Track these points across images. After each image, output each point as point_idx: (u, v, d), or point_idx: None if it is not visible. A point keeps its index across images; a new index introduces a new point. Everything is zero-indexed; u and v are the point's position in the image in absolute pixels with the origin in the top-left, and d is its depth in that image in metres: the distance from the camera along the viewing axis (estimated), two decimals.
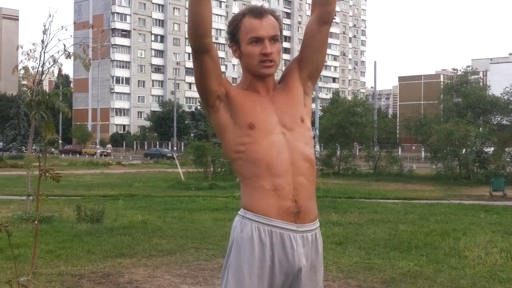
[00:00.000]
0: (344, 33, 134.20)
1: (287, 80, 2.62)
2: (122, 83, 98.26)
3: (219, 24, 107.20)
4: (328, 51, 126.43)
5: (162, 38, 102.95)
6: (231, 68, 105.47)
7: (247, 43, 2.49)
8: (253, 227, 2.38)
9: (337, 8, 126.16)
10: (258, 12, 2.50)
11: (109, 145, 60.91)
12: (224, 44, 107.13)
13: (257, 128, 2.45)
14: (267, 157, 2.41)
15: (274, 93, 2.56)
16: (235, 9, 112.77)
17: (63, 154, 65.79)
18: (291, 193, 2.40)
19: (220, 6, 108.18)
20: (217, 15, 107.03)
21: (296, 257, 2.39)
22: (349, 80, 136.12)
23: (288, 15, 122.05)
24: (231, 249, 2.43)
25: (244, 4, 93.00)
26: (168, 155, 56.71)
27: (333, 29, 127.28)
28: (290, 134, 2.48)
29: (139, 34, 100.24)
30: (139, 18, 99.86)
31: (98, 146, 70.44)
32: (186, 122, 74.71)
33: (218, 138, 2.62)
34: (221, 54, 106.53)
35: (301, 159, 2.46)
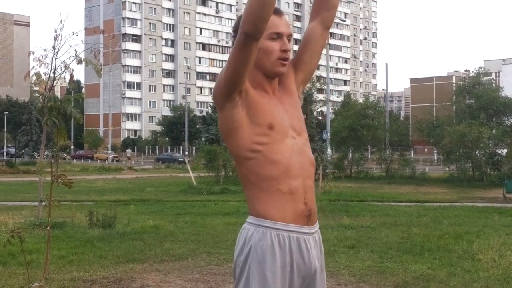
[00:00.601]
0: (355, 35, 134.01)
1: (286, 83, 2.57)
2: (133, 88, 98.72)
3: (229, 28, 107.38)
4: (339, 53, 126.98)
5: (173, 43, 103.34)
6: None
7: (266, 38, 2.40)
8: (272, 235, 2.35)
9: (348, 11, 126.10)
10: (277, 9, 2.45)
11: (128, 150, 61.22)
12: None
13: (275, 129, 2.41)
14: (285, 159, 2.39)
15: (280, 94, 2.52)
16: None
17: (75, 160, 66.19)
18: (303, 196, 2.41)
19: (231, 10, 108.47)
20: (227, 19, 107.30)
21: (312, 260, 2.42)
22: (360, 82, 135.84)
23: (298, 18, 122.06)
24: (247, 258, 2.36)
25: None
26: (179, 159, 56.88)
27: (343, 32, 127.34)
28: (299, 139, 2.49)
29: (150, 39, 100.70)
30: (150, 23, 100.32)
31: (109, 151, 70.78)
32: (197, 126, 74.81)
33: (225, 136, 2.47)
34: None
35: (309, 163, 2.48)
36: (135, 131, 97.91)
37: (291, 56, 2.52)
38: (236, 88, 2.36)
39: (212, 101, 2.47)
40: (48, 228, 5.49)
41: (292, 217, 2.38)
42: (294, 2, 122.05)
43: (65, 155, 63.40)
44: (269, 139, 2.39)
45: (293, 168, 2.40)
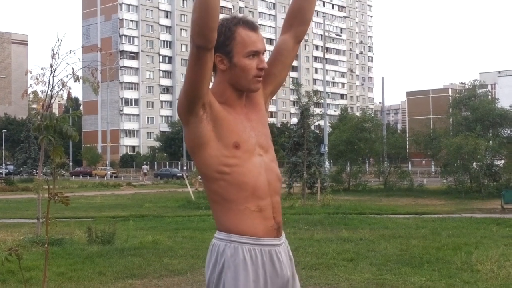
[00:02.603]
0: (351, 49, 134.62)
1: (253, 97, 2.52)
2: (131, 104, 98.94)
3: None
4: (336, 68, 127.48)
5: (170, 59, 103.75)
6: None
7: (244, 56, 2.37)
8: (244, 249, 2.33)
9: (344, 25, 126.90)
10: (253, 25, 2.42)
11: (145, 166, 61.35)
12: None
13: (241, 148, 2.37)
14: (252, 181, 2.37)
15: (247, 110, 2.48)
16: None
17: (73, 176, 66.09)
18: (271, 212, 2.40)
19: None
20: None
21: (284, 270, 2.41)
22: (357, 96, 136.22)
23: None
24: (221, 274, 2.33)
25: (251, 11, 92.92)
26: (178, 175, 56.81)
27: (340, 46, 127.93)
28: (266, 156, 2.45)
29: (147, 55, 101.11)
30: (147, 40, 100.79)
31: (108, 168, 70.74)
32: None
33: (192, 152, 2.41)
34: None
35: (276, 180, 2.46)
36: (133, 147, 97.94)
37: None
38: (197, 101, 2.31)
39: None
40: (46, 245, 5.50)
41: (263, 231, 2.37)
42: None
43: (64, 172, 63.36)
44: (236, 160, 2.35)
45: (261, 188, 2.38)
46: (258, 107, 2.53)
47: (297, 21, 2.63)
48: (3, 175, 54.57)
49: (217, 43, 2.29)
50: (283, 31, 2.66)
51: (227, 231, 2.36)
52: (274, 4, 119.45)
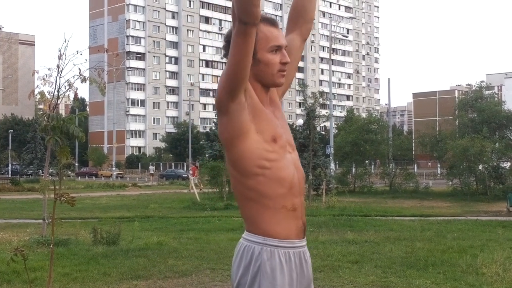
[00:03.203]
0: (357, 51, 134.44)
1: (273, 97, 2.54)
2: (137, 105, 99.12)
3: None
4: (342, 69, 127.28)
5: (176, 60, 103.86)
6: None
7: (267, 51, 2.40)
8: (280, 253, 2.34)
9: (350, 26, 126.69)
10: (273, 21, 2.45)
11: (152, 167, 61.71)
12: None
13: (278, 143, 2.38)
14: (289, 177, 2.38)
15: (272, 108, 2.49)
16: None
17: (79, 177, 66.26)
18: (301, 212, 2.43)
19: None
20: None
21: (309, 271, 2.46)
22: (363, 97, 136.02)
23: None
24: (255, 278, 2.32)
25: None
26: (183, 176, 56.88)
27: (346, 47, 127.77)
28: (294, 154, 2.48)
29: (154, 56, 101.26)
30: (153, 41, 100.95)
31: (114, 168, 70.90)
32: (201, 142, 74.80)
33: (229, 144, 2.36)
34: None
35: (302, 179, 2.48)
36: (139, 148, 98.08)
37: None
38: (241, 85, 2.28)
39: (215, 107, 2.37)
40: (51, 246, 5.52)
41: (295, 233, 2.39)
42: None
43: (70, 173, 63.54)
44: (275, 155, 2.35)
45: (295, 185, 2.40)
46: (279, 105, 2.56)
47: (302, 20, 2.69)
48: (9, 176, 54.78)
49: None
50: (288, 30, 2.70)
51: (262, 234, 2.35)
52: (281, 5, 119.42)
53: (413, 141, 39.76)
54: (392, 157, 34.36)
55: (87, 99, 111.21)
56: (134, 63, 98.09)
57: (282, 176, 2.36)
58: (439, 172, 47.64)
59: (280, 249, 2.34)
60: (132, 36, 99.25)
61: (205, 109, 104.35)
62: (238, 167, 2.36)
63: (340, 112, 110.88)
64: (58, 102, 9.46)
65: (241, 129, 2.33)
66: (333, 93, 56.70)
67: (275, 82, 2.45)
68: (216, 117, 2.61)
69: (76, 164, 74.83)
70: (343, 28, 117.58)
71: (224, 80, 2.30)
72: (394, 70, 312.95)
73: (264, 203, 2.35)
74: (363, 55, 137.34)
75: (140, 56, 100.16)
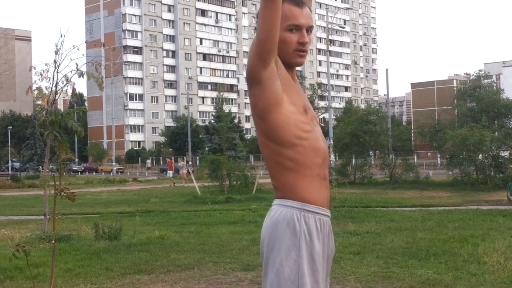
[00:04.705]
0: (354, 41, 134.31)
1: (294, 75, 2.58)
2: (136, 99, 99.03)
3: (229, 38, 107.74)
4: (339, 60, 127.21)
5: (174, 54, 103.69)
6: (243, 81, 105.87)
7: (284, 29, 2.43)
8: (315, 219, 2.41)
9: (347, 17, 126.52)
10: (299, 0, 2.49)
11: (149, 161, 62.46)
12: (235, 57, 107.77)
13: (308, 114, 2.46)
14: (323, 147, 2.48)
15: (296, 85, 2.54)
16: (245, 21, 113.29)
17: (79, 172, 66.24)
18: (328, 182, 2.52)
19: (230, 20, 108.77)
20: (227, 28, 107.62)
21: (332, 241, 2.55)
22: (361, 88, 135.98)
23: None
24: (293, 242, 2.36)
25: (254, 17, 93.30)
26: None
27: (343, 38, 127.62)
28: (319, 127, 2.54)
29: (151, 50, 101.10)
30: (150, 35, 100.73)
31: (114, 163, 70.92)
32: (200, 136, 74.95)
33: (264, 114, 2.39)
34: (232, 67, 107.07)
35: (327, 153, 2.55)
36: (139, 142, 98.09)
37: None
38: (272, 52, 2.33)
39: (246, 80, 2.44)
40: (53, 241, 5.52)
41: (326, 202, 2.48)
42: None
43: (75, 167, 63.62)
44: (309, 126, 2.43)
45: (327, 156, 2.50)
46: (299, 84, 2.60)
47: None
48: (9, 172, 54.76)
49: None
50: None
51: (301, 199, 2.40)
52: None
53: (412, 131, 39.74)
54: (391, 148, 34.34)
55: (85, 94, 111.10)
56: (131, 57, 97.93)
57: (318, 146, 2.45)
58: (439, 162, 47.72)
59: (316, 215, 2.42)
60: (129, 30, 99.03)
61: (203, 102, 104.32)
62: (275, 137, 2.41)
63: (339, 103, 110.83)
64: (56, 97, 9.44)
65: (276, 99, 2.37)
66: (331, 85, 56.70)
67: (291, 61, 2.49)
68: (246, 92, 2.66)
69: (76, 160, 74.81)
70: (340, 19, 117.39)
71: (255, 48, 2.35)
72: (392, 61, 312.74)
73: (302, 171, 2.41)
74: (361, 46, 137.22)
75: (137, 50, 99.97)
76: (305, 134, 2.40)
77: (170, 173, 38.14)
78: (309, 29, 2.49)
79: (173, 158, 42.20)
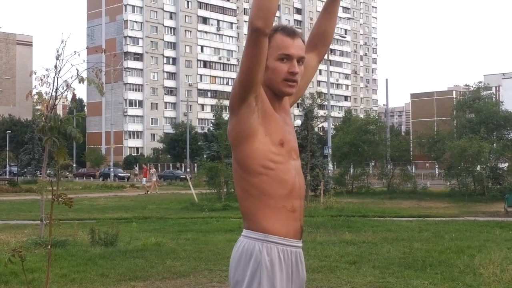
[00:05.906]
0: (355, 51, 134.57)
1: (285, 105, 2.63)
2: (135, 105, 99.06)
3: (230, 45, 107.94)
4: (340, 69, 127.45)
5: (174, 61, 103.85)
6: None
7: (275, 59, 2.48)
8: (279, 250, 2.41)
9: (348, 27, 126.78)
10: (291, 31, 2.53)
11: (152, 168, 62.23)
12: (236, 65, 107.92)
13: (285, 147, 2.47)
14: (291, 180, 2.47)
15: (283, 114, 2.57)
16: (246, 30, 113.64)
17: (77, 178, 66.16)
18: (299, 214, 2.50)
19: (231, 28, 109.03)
20: (228, 36, 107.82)
21: (304, 272, 2.54)
22: (361, 98, 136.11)
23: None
24: (254, 274, 2.38)
25: None
26: (181, 176, 56.83)
27: (344, 48, 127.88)
28: (298, 161, 2.57)
29: (151, 57, 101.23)
30: (151, 41, 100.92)
31: (111, 169, 70.78)
32: (199, 143, 74.89)
33: (236, 143, 2.46)
34: (233, 75, 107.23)
35: (303, 185, 2.56)
36: (137, 148, 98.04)
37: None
38: (251, 90, 2.37)
39: (228, 107, 2.53)
40: (49, 247, 5.52)
41: (292, 233, 2.46)
42: (295, 20, 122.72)
43: (68, 174, 63.42)
44: (281, 158, 2.44)
45: (296, 189, 2.48)
46: (289, 113, 2.65)
47: (322, 43, 2.86)
48: (7, 177, 54.68)
49: None
50: (307, 49, 2.75)
51: (263, 230, 2.42)
52: (278, 5, 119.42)
53: (411, 141, 39.70)
54: (390, 158, 34.36)
55: (85, 100, 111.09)
56: (132, 64, 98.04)
57: (285, 178, 2.45)
58: (437, 172, 47.76)
59: (279, 246, 2.42)
60: (130, 37, 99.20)
61: (203, 109, 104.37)
62: (243, 165, 2.46)
63: (338, 112, 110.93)
64: (56, 102, 9.45)
65: (249, 131, 2.42)
66: (331, 94, 56.75)
67: (281, 90, 2.51)
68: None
69: (74, 165, 74.69)
70: (341, 28, 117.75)
71: (236, 84, 2.41)
72: (392, 71, 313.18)
73: (265, 201, 2.43)
74: (361, 56, 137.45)
75: (138, 57, 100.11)
76: (274, 164, 2.42)
77: (144, 180, 38.24)
78: (301, 59, 2.52)
79: (148, 165, 42.29)
